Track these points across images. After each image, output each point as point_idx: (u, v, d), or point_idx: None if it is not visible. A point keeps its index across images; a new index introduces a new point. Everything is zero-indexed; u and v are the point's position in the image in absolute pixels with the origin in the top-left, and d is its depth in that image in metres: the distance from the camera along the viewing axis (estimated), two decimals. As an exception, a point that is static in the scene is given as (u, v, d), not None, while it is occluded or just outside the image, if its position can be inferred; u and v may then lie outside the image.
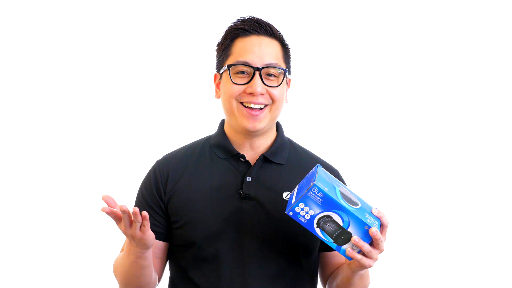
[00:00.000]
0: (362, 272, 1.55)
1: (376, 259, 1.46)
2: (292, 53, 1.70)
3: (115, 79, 3.07)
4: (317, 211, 1.42)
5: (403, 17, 3.11)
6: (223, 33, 1.67)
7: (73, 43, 3.06)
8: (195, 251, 1.61)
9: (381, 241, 1.44)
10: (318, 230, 1.44)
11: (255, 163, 1.64)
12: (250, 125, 1.60)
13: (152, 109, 3.08)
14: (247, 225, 1.60)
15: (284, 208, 1.55)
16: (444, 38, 3.11)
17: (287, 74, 1.65)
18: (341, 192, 1.45)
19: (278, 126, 1.73)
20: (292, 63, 1.71)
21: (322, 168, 1.53)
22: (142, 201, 1.68)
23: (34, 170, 3.02)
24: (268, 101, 1.60)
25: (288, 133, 1.77)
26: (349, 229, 1.42)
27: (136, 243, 1.50)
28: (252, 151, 1.67)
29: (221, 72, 1.66)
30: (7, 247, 2.99)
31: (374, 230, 1.42)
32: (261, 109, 1.60)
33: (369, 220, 1.43)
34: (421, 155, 3.11)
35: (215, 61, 1.70)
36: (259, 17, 1.66)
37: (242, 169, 1.64)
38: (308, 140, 2.03)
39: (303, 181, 1.51)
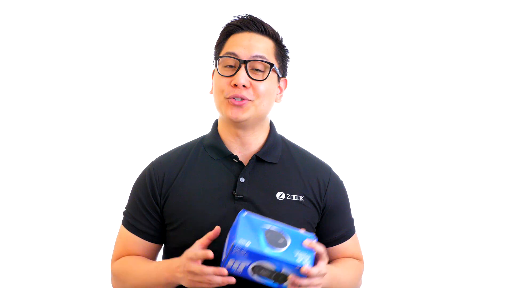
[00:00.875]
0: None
1: (320, 283, 1.46)
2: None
3: (109, 79, 3.00)
4: (247, 263, 1.42)
5: (396, 16, 3.08)
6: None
7: (66, 44, 2.98)
8: (189, 252, 1.61)
9: (318, 273, 1.43)
10: (255, 277, 1.45)
11: (248, 164, 1.64)
12: (233, 115, 1.59)
13: (147, 109, 3.02)
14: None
15: (278, 209, 1.58)
16: (434, 37, 3.08)
17: (275, 68, 1.63)
18: (266, 237, 1.43)
19: (270, 124, 1.72)
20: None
21: (246, 214, 1.48)
22: (138, 204, 1.67)
23: (28, 170, 2.95)
24: (252, 97, 1.59)
25: (280, 130, 1.76)
26: (283, 271, 1.43)
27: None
28: (244, 150, 1.67)
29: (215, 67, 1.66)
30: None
31: (305, 269, 1.41)
32: (242, 99, 1.59)
33: (299, 258, 1.42)
34: (415, 152, 3.07)
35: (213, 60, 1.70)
36: (258, 16, 1.67)
37: (235, 170, 1.64)
38: (301, 137, 2.01)
39: (231, 231, 1.48)
